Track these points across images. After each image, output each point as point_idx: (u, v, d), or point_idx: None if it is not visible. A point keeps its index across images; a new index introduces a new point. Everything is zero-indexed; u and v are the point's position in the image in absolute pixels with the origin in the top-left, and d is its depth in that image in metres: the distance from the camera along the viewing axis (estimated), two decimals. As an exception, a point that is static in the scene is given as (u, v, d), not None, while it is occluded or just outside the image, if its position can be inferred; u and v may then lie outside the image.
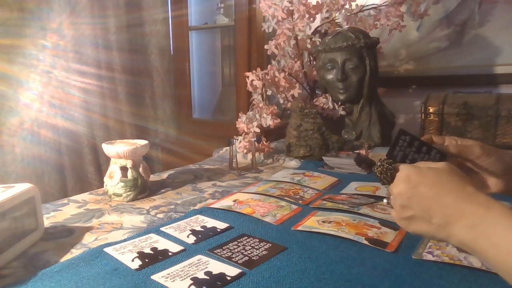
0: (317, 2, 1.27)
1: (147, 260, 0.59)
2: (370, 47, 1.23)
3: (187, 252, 0.62)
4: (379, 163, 0.53)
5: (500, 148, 1.22)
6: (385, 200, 0.56)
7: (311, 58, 1.43)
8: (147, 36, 2.06)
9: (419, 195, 0.48)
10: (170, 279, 0.53)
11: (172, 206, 0.85)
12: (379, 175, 0.53)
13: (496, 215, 0.43)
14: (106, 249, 0.62)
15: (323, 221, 0.71)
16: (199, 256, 0.60)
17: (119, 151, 0.88)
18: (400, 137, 0.56)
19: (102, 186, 0.94)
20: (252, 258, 0.59)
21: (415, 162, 0.54)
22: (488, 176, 0.57)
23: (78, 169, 1.82)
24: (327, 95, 1.27)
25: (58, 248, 0.65)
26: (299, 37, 1.31)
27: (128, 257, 0.59)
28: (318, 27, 1.41)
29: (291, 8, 1.26)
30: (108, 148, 0.90)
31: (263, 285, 0.52)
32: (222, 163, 1.27)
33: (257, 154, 1.25)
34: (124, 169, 0.90)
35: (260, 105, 1.28)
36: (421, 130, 1.40)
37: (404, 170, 0.50)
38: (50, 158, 1.72)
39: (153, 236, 0.67)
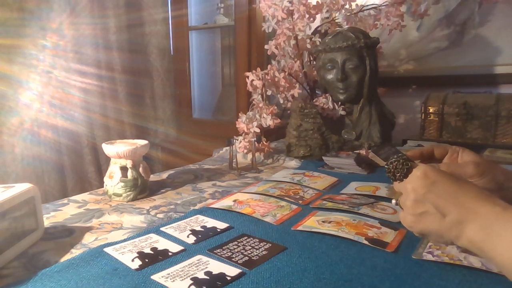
0: (317, 2, 1.27)
1: (147, 260, 0.59)
2: (370, 47, 1.23)
3: (187, 252, 0.62)
4: (394, 158, 0.51)
5: (500, 148, 1.22)
6: (393, 201, 0.55)
7: (311, 58, 1.43)
8: (147, 36, 2.06)
9: (435, 192, 0.48)
10: (170, 279, 0.53)
11: (172, 206, 0.85)
12: (393, 170, 0.51)
13: None
14: (106, 249, 0.62)
15: (323, 221, 0.71)
16: (199, 256, 0.60)
17: (119, 151, 0.88)
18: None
19: (102, 186, 0.94)
20: (252, 258, 0.59)
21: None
22: None
23: (78, 169, 1.82)
24: (327, 95, 1.27)
25: (58, 248, 0.65)
26: (299, 37, 1.31)
27: (128, 257, 0.59)
28: (318, 27, 1.41)
29: (291, 8, 1.26)
30: (108, 148, 0.90)
31: (263, 285, 0.52)
32: (222, 163, 1.27)
33: (257, 154, 1.25)
34: (124, 169, 0.90)
35: (260, 105, 1.28)
36: (421, 130, 1.40)
37: (421, 167, 0.50)
38: (50, 158, 1.72)
39: (153, 236, 0.67)
